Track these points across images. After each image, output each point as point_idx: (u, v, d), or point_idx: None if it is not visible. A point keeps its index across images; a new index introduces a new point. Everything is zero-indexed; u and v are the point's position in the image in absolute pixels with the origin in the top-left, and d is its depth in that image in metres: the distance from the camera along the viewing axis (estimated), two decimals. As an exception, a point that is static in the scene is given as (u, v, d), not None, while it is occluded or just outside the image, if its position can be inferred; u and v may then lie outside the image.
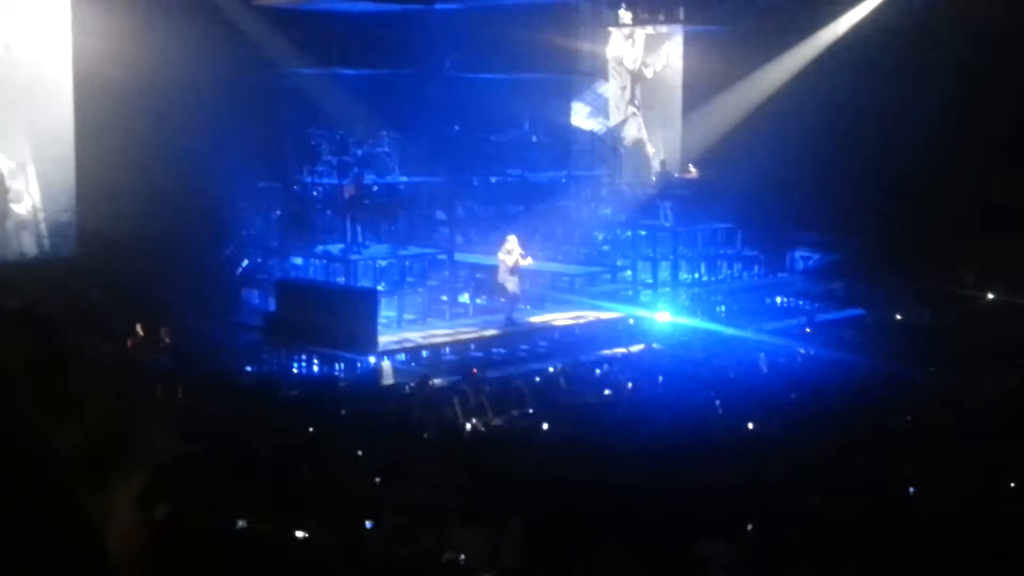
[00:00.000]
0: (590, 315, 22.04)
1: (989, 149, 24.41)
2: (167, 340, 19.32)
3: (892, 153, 25.17)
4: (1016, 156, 24.26)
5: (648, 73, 27.94)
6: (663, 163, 27.42)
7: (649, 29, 27.64)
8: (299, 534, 10.03)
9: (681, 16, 26.94)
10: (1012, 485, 11.17)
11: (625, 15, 27.48)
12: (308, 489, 11.82)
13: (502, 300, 21.23)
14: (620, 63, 27.67)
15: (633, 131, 28.28)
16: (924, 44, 25.43)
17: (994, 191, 24.28)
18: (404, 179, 23.82)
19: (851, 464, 11.66)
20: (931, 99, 24.86)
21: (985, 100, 24.62)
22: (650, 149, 28.37)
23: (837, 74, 25.77)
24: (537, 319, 21.78)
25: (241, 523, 9.75)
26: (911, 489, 10.81)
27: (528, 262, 21.00)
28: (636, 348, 20.41)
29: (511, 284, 20.83)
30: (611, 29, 27.48)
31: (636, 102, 28.15)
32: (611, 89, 27.74)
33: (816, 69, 26.52)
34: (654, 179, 27.35)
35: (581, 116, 27.57)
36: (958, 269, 24.31)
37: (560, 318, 21.83)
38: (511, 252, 20.77)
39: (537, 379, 17.78)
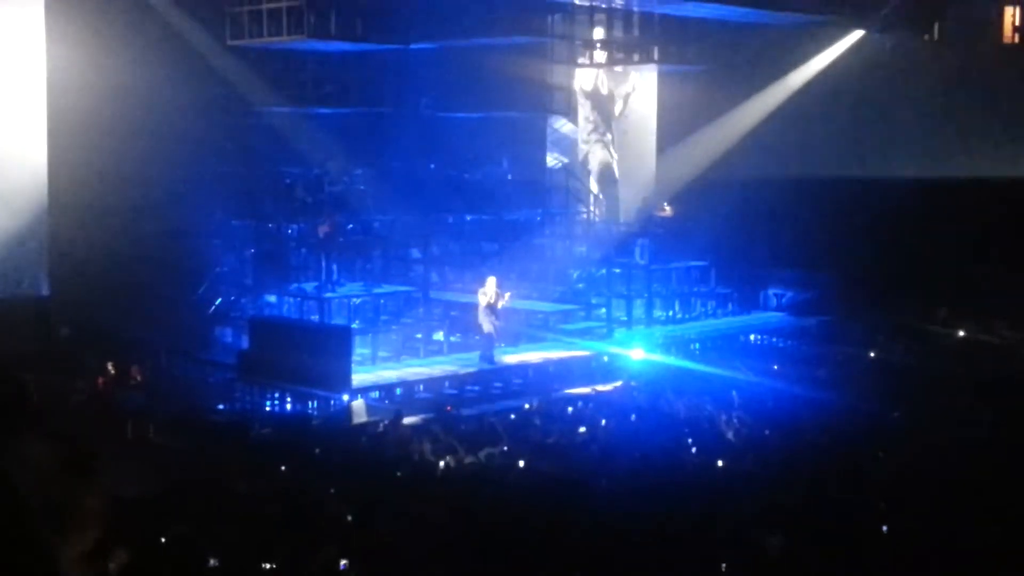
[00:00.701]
0: (565, 352, 22.05)
1: (961, 186, 24.66)
2: (139, 378, 19.23)
3: (865, 191, 25.40)
4: (989, 195, 24.51)
5: (616, 106, 28.09)
6: (645, 200, 27.49)
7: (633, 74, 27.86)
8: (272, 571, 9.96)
9: (655, 56, 27.15)
10: (982, 518, 11.19)
11: (600, 55, 27.67)
12: (281, 527, 11.73)
13: (477, 338, 21.23)
14: (586, 95, 27.82)
15: (603, 167, 28.41)
16: (898, 83, 25.74)
17: (967, 229, 24.50)
18: (379, 217, 23.84)
19: (823, 500, 11.66)
20: (904, 138, 25.15)
21: (959, 137, 24.91)
22: (621, 188, 28.48)
23: (810, 113, 26.02)
24: (512, 357, 21.75)
25: (213, 561, 9.67)
26: (883, 527, 10.81)
27: (504, 301, 20.99)
28: (610, 386, 20.41)
29: (486, 324, 20.87)
30: (590, 73, 27.66)
31: (606, 136, 28.27)
32: (579, 123, 27.88)
33: (789, 108, 26.77)
34: (634, 217, 27.45)
35: (555, 157, 27.71)
36: (930, 306, 24.48)
37: (535, 355, 21.81)
38: (486, 293, 20.84)
39: (512, 416, 17.74)
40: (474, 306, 21.16)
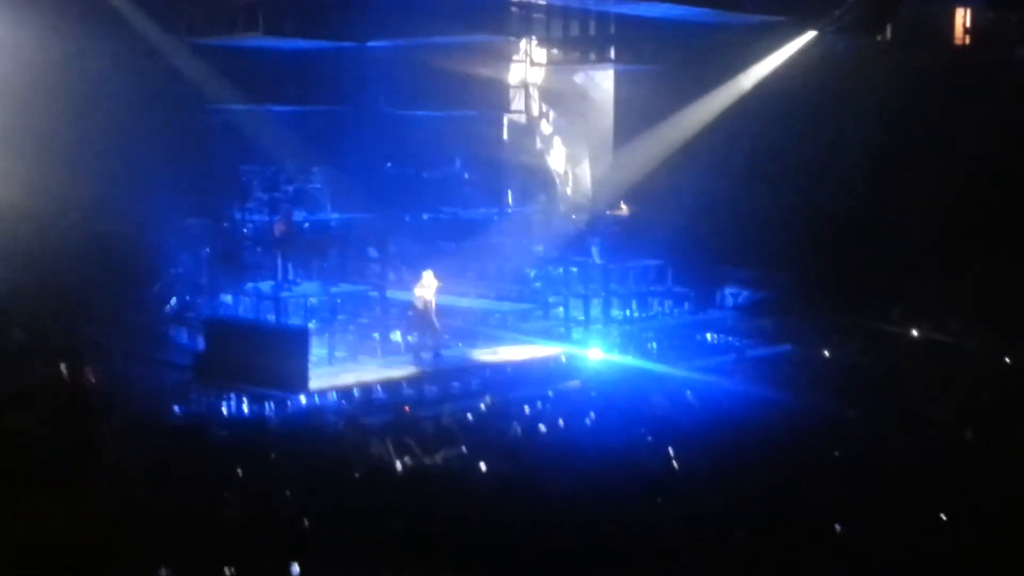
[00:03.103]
0: (522, 352, 22.07)
1: (916, 186, 24.90)
2: (92, 380, 19.03)
3: (820, 190, 25.60)
4: (943, 192, 24.76)
5: (572, 104, 28.20)
6: (602, 199, 27.50)
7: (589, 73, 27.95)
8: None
9: (612, 55, 27.23)
10: (942, 518, 11.33)
11: (556, 54, 27.72)
12: (236, 530, 11.68)
13: (411, 337, 21.08)
14: (543, 94, 27.90)
15: (559, 165, 28.52)
16: (851, 84, 25.94)
17: (921, 227, 24.76)
18: (336, 216, 23.75)
19: (777, 500, 11.75)
20: (858, 137, 25.36)
21: (911, 138, 25.14)
22: (577, 187, 28.56)
23: (765, 112, 26.17)
24: (469, 356, 21.75)
25: (164, 571, 9.60)
26: (836, 526, 10.91)
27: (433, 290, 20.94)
28: (568, 384, 20.46)
29: (432, 319, 20.87)
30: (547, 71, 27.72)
31: (563, 135, 28.36)
32: (536, 122, 27.97)
33: (744, 107, 26.91)
34: (590, 215, 27.51)
35: (512, 155, 27.79)
36: (885, 305, 24.70)
37: (491, 355, 21.81)
38: (428, 286, 20.83)
39: (469, 417, 17.73)
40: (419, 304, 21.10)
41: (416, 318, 21.03)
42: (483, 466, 13.97)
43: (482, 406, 18.35)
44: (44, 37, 19.75)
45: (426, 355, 20.93)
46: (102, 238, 20.20)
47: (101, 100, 20.19)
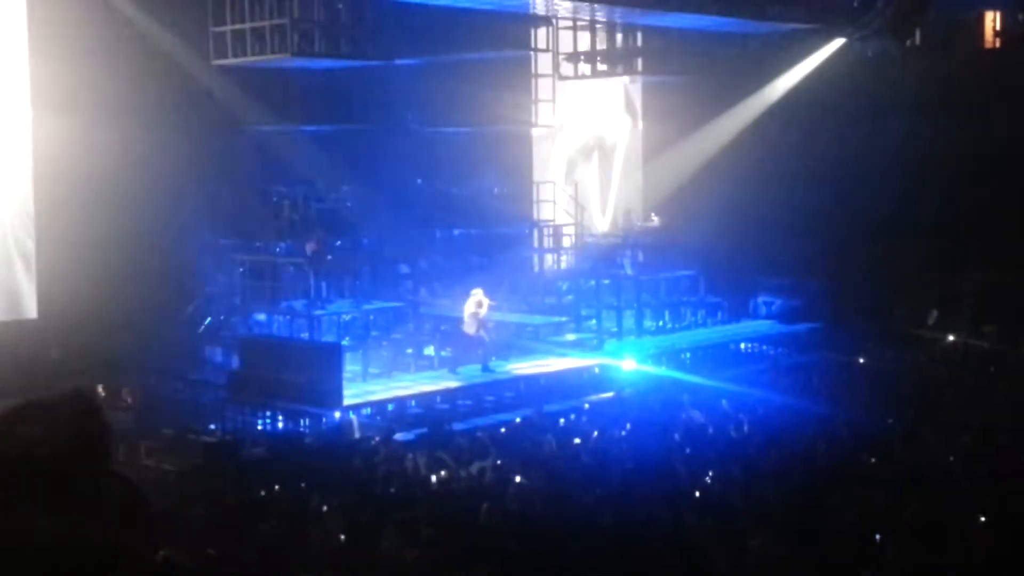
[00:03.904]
0: (556, 365, 22.07)
1: (949, 189, 24.75)
2: (129, 400, 19.19)
3: (852, 195, 25.50)
4: (977, 195, 24.60)
5: (601, 117, 28.28)
6: (628, 212, 27.59)
7: (616, 85, 28.00)
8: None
9: (639, 67, 27.25)
10: (982, 522, 11.22)
11: (584, 67, 27.78)
12: (274, 548, 11.72)
13: (479, 352, 21.22)
14: (571, 107, 27.98)
15: (589, 178, 28.54)
16: (881, 89, 25.84)
17: (955, 230, 24.60)
18: (367, 233, 23.86)
19: (813, 508, 11.68)
20: (889, 142, 25.24)
21: (943, 142, 25.00)
22: (611, 198, 28.59)
23: (795, 119, 26.12)
24: (503, 369, 21.79)
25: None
26: (877, 536, 10.82)
27: (486, 308, 21.05)
28: (602, 396, 20.44)
29: (483, 334, 20.98)
30: (575, 85, 27.77)
31: (592, 147, 28.44)
32: (565, 135, 28.03)
33: (774, 115, 26.87)
34: (621, 227, 27.53)
35: (541, 169, 27.85)
36: (919, 311, 24.55)
37: (525, 368, 21.83)
38: (480, 304, 20.94)
39: (503, 430, 17.74)
40: (465, 319, 21.21)
41: (469, 333, 21.09)
42: (518, 479, 13.95)
43: (517, 419, 18.33)
44: (83, 68, 20.01)
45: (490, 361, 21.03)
46: (138, 260, 20.36)
47: (137, 125, 20.40)
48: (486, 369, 21.07)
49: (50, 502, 2.56)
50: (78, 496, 2.60)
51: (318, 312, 21.79)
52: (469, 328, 20.99)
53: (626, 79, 28.00)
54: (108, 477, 2.73)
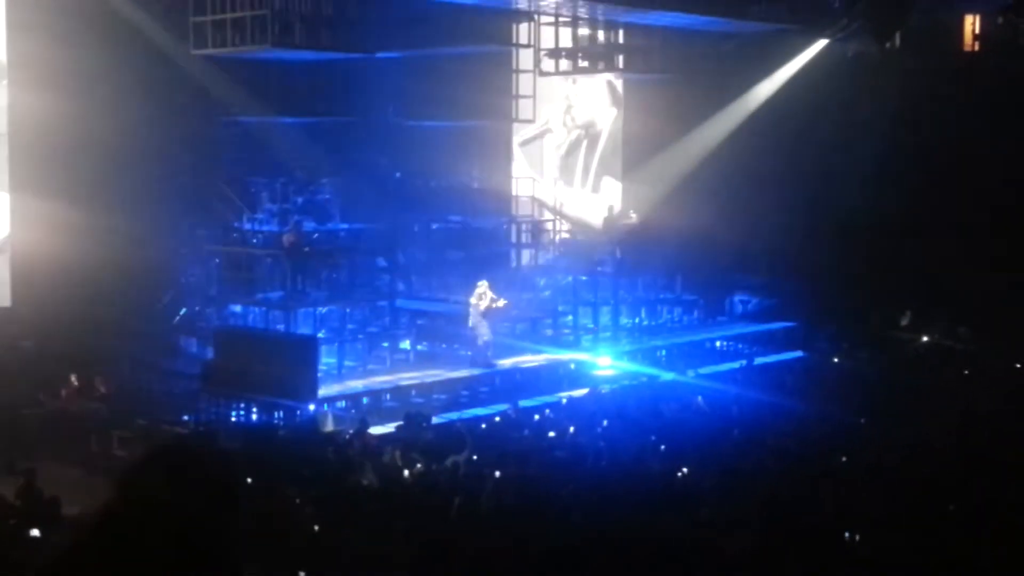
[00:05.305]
0: (531, 360, 22.09)
1: (926, 191, 24.87)
2: (103, 390, 19.08)
3: (830, 196, 25.58)
4: (953, 198, 24.74)
5: (581, 113, 28.30)
6: (611, 207, 27.60)
7: (600, 81, 28.03)
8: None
9: (620, 64, 27.26)
10: (947, 524, 11.28)
11: (565, 63, 27.76)
12: (245, 539, 11.66)
13: (480, 343, 21.22)
14: (551, 103, 27.99)
15: (568, 174, 28.57)
16: (861, 90, 25.94)
17: (931, 232, 24.73)
18: (345, 226, 23.79)
19: (787, 506, 11.71)
20: (868, 143, 25.34)
21: (921, 144, 25.13)
22: (586, 195, 28.61)
23: (775, 118, 26.18)
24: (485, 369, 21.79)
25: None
26: (847, 534, 10.87)
27: (502, 304, 21.14)
28: (578, 392, 20.45)
29: (483, 329, 20.98)
30: (562, 82, 27.81)
31: (572, 143, 28.47)
32: (554, 140, 28.07)
33: (754, 114, 26.91)
34: (600, 224, 27.54)
35: (519, 167, 27.87)
36: (894, 312, 24.67)
37: (501, 363, 21.81)
38: (483, 296, 20.96)
39: (480, 425, 17.73)
40: (459, 313, 21.20)
41: (475, 325, 21.09)
42: (492, 472, 13.94)
43: (496, 419, 18.30)
44: (58, 48, 19.85)
45: (487, 358, 21.06)
46: (113, 249, 20.22)
47: (113, 113, 20.25)
48: (473, 364, 21.08)
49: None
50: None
51: (294, 304, 21.71)
52: (471, 320, 21.11)
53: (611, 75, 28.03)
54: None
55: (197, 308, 22.46)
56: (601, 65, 27.53)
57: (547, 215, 27.76)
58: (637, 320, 25.39)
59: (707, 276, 26.23)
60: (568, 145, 28.56)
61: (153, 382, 20.19)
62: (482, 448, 15.55)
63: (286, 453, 15.88)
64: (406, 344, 22.35)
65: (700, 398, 18.37)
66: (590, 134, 28.69)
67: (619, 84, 28.61)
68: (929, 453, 14.40)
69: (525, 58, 27.24)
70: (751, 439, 15.50)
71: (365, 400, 19.65)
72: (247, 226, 22.81)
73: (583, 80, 28.13)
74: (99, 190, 20.10)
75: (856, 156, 25.45)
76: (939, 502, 11.99)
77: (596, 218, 28.07)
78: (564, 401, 19.69)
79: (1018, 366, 21.12)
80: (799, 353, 24.03)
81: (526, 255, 27.19)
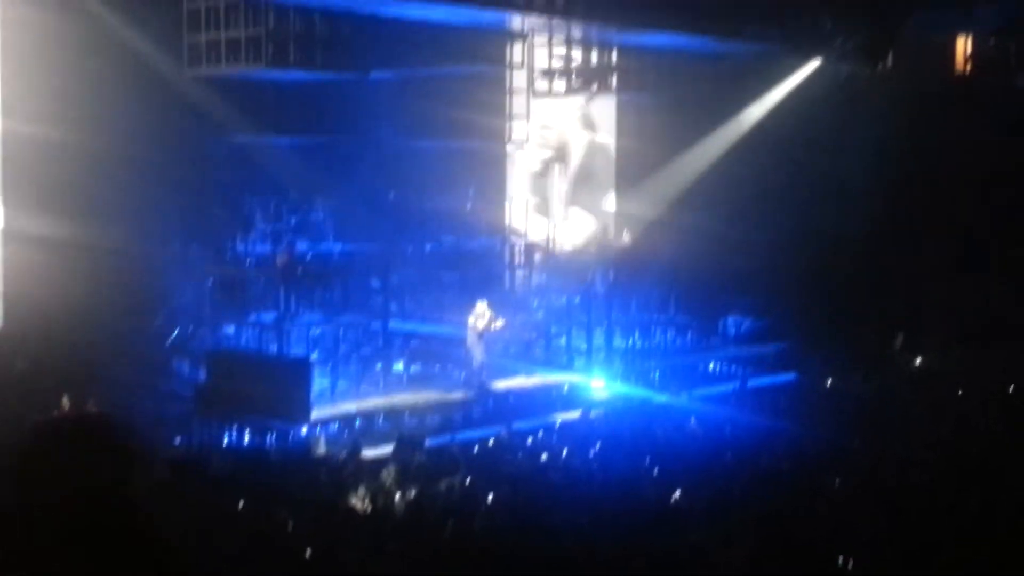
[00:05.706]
0: (525, 382, 22.05)
1: (918, 213, 24.94)
2: (95, 412, 18.98)
3: (823, 217, 25.64)
4: (944, 219, 24.81)
5: (575, 134, 28.35)
6: (605, 228, 27.59)
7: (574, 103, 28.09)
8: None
9: (613, 84, 27.31)
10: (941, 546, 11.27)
11: (559, 84, 27.83)
12: (240, 563, 11.64)
13: (475, 365, 21.20)
14: (545, 123, 28.04)
15: (563, 195, 28.58)
16: (853, 112, 26.04)
17: (923, 253, 24.79)
18: (338, 246, 23.77)
19: (781, 528, 11.71)
20: (860, 164, 25.42)
21: (913, 166, 25.21)
22: (581, 216, 28.62)
23: (767, 139, 26.25)
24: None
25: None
26: (840, 557, 10.86)
27: (500, 324, 21.13)
28: (571, 414, 20.42)
29: (478, 351, 20.95)
30: (545, 100, 27.83)
31: (565, 164, 28.50)
32: (538, 151, 28.11)
33: (747, 134, 26.99)
34: (593, 245, 27.54)
35: (514, 185, 27.90)
36: (887, 333, 24.68)
37: (495, 385, 21.78)
38: (482, 317, 20.95)
39: (473, 447, 17.68)
40: (453, 334, 21.18)
41: (471, 347, 21.07)
42: (484, 495, 13.91)
43: (491, 441, 18.24)
44: (53, 73, 19.90)
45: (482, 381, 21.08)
46: (106, 270, 20.19)
47: (106, 133, 20.25)
48: (467, 386, 21.05)
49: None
50: None
51: (287, 326, 21.66)
52: (468, 340, 21.10)
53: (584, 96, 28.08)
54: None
55: (190, 329, 22.40)
56: (595, 85, 27.59)
57: (541, 236, 27.73)
58: (631, 341, 25.34)
59: (701, 297, 26.20)
60: (542, 166, 28.63)
61: (146, 403, 20.11)
62: (476, 471, 15.52)
63: (278, 475, 15.83)
64: (399, 366, 22.30)
65: (693, 418, 18.35)
66: (562, 156, 28.74)
67: (594, 107, 28.54)
68: (922, 471, 14.40)
69: (519, 79, 27.30)
70: (744, 460, 15.49)
71: (358, 422, 19.60)
72: (240, 246, 22.78)
73: (557, 102, 28.17)
74: (92, 211, 20.08)
75: (849, 176, 25.52)
76: (932, 521, 11.99)
77: (589, 238, 28.05)
78: (557, 424, 19.63)
79: (1010, 389, 21.12)
80: (792, 374, 24.01)
81: (519, 276, 27.17)
